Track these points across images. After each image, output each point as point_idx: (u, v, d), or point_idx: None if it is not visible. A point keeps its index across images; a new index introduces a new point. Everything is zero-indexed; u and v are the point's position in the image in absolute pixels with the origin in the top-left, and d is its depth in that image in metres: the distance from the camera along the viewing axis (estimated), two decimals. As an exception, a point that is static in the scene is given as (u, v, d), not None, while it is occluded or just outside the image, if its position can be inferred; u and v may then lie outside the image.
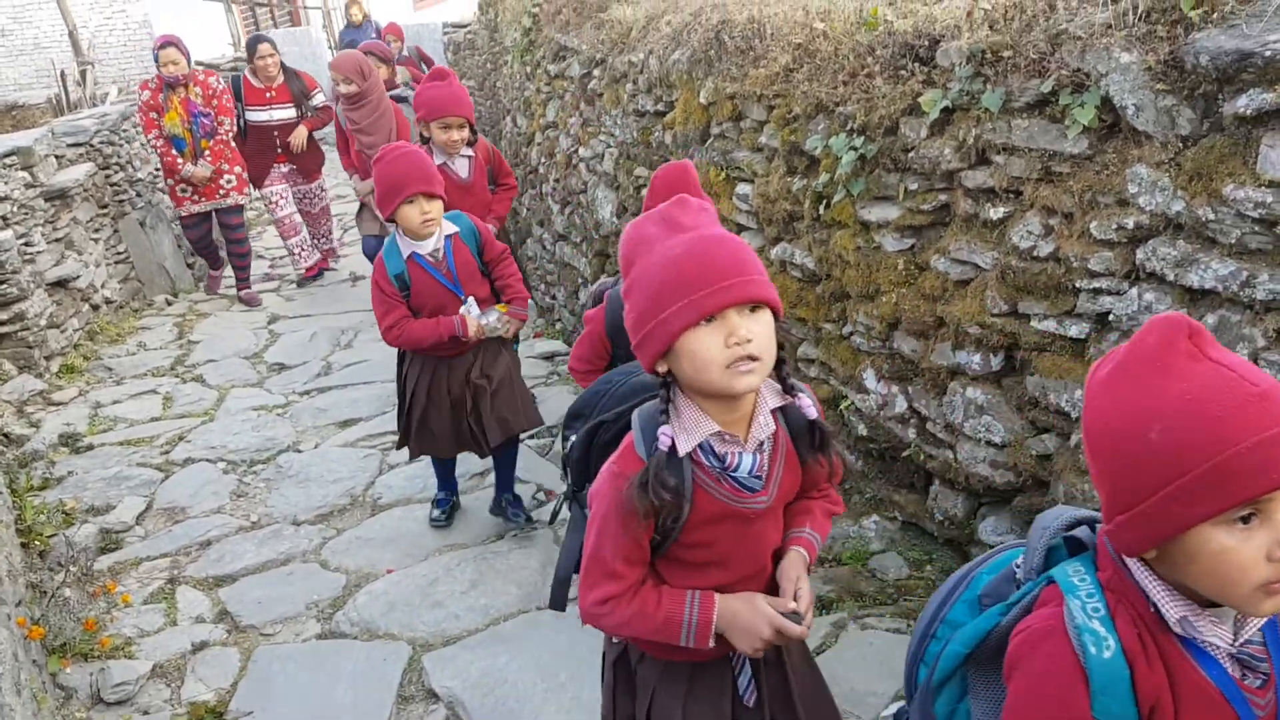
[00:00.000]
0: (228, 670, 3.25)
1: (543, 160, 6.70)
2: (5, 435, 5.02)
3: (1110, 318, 2.53)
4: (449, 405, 3.64)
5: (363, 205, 6.08)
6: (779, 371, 1.62)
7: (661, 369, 1.57)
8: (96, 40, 14.88)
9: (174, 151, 6.94)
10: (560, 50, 6.27)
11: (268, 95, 7.25)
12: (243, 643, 3.39)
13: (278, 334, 6.74)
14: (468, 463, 4.43)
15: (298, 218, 7.56)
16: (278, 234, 7.82)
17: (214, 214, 7.23)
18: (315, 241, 7.80)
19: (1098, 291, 2.55)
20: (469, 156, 4.51)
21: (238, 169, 7.17)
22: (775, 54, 3.72)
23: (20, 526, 3.98)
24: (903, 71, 3.11)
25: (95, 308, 6.77)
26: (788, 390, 1.65)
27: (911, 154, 3.08)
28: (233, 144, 7.12)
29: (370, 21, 11.10)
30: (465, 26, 11.11)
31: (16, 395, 5.48)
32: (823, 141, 3.41)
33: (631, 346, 1.58)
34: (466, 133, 4.37)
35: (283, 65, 7.36)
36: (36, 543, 3.91)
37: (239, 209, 7.31)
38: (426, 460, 4.58)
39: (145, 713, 3.07)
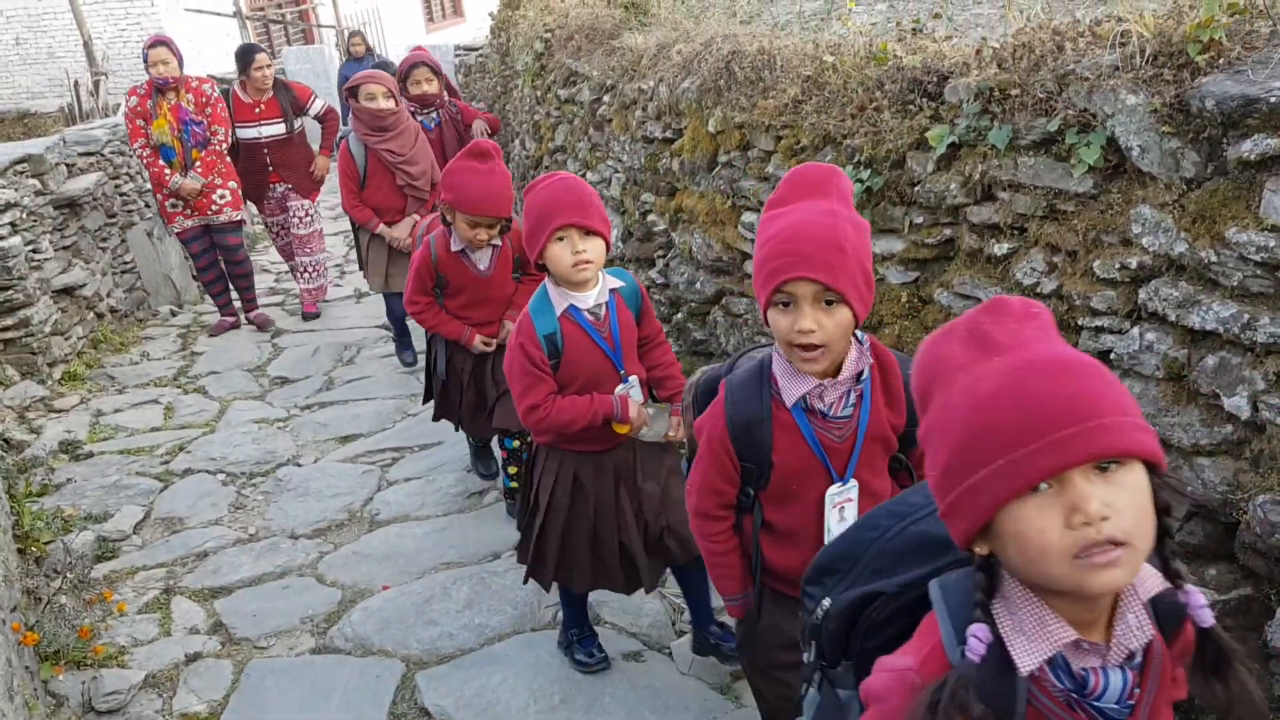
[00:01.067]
0: (220, 682, 3.24)
1: (550, 183, 6.73)
2: (6, 441, 5.03)
3: (1112, 356, 2.55)
4: (592, 519, 2.86)
5: (380, 254, 5.46)
6: (1160, 549, 1.10)
7: (981, 550, 1.11)
8: (110, 51, 14.99)
9: (161, 162, 6.35)
10: (571, 75, 6.33)
11: (256, 110, 6.67)
12: (236, 655, 3.39)
13: (281, 348, 6.75)
14: (467, 483, 4.45)
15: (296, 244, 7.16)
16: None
17: (211, 232, 6.73)
18: (308, 274, 7.23)
19: (1100, 330, 2.57)
20: (495, 245, 3.70)
21: (232, 184, 6.58)
22: (784, 85, 3.76)
23: (18, 532, 3.98)
24: (911, 106, 3.15)
25: (100, 316, 6.78)
26: (1171, 577, 1.12)
27: (917, 188, 3.11)
28: (227, 158, 6.53)
29: (372, 55, 10.43)
30: (477, 49, 11.17)
31: (18, 401, 5.50)
32: (830, 173, 3.44)
33: (938, 512, 1.14)
34: (497, 230, 3.62)
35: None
36: (33, 549, 3.92)
37: (236, 226, 6.76)
38: (425, 478, 4.60)
39: (136, 723, 3.07)
